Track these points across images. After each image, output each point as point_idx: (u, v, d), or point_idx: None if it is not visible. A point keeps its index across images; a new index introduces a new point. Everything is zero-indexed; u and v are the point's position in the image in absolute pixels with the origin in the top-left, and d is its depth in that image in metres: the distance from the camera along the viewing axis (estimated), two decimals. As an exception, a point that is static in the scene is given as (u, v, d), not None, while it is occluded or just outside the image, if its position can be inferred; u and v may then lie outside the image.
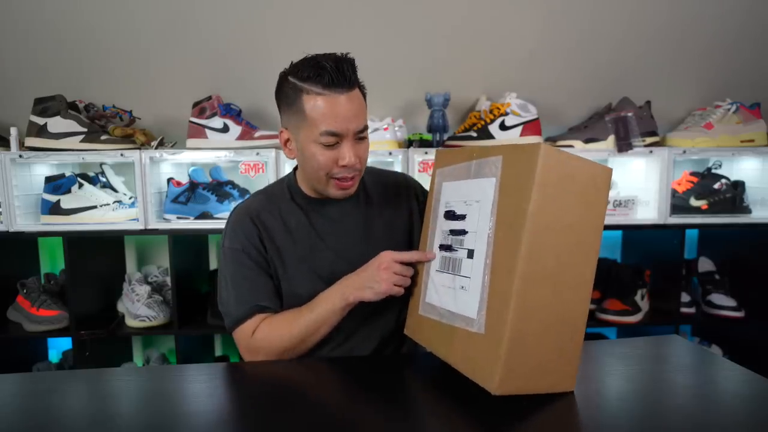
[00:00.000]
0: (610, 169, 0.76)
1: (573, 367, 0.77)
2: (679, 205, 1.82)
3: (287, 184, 1.12)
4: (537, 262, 0.71)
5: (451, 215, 0.88)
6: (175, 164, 1.89)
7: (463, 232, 0.83)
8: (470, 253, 0.81)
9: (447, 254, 0.87)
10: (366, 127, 0.99)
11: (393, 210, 1.13)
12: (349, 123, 0.95)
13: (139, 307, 1.76)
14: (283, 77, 0.99)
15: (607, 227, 1.81)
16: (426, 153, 1.74)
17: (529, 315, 0.71)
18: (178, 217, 1.75)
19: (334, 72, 0.92)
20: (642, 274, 1.89)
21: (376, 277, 0.93)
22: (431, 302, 0.90)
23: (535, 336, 0.72)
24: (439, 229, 0.91)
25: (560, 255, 0.72)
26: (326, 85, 0.93)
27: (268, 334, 0.99)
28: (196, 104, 1.76)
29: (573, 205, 0.73)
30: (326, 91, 0.93)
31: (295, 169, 1.13)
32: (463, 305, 0.80)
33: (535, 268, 0.71)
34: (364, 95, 0.99)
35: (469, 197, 0.84)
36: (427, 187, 1.22)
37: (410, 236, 1.12)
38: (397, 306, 1.07)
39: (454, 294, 0.83)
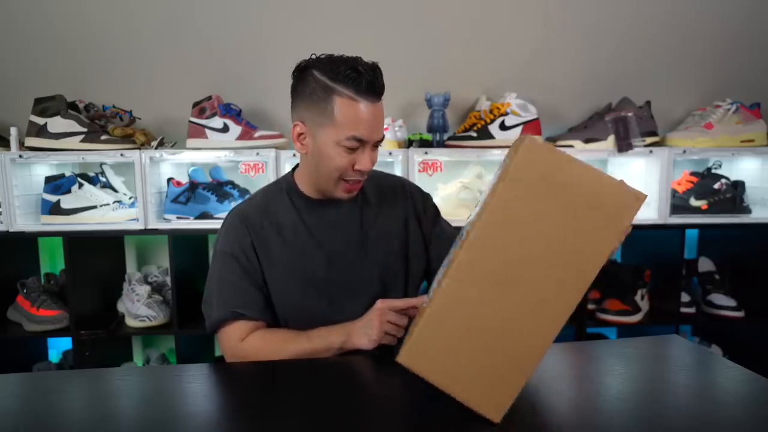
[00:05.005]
0: (643, 196, 0.63)
1: (503, 395, 0.68)
2: (679, 205, 1.82)
3: (285, 185, 1.10)
4: (481, 255, 0.65)
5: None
6: (175, 164, 1.89)
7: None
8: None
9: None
10: (384, 137, 1.01)
11: (389, 215, 1.12)
12: (374, 132, 0.96)
13: (139, 307, 1.76)
14: (304, 70, 0.97)
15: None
16: (426, 153, 1.74)
17: (455, 305, 0.67)
18: (178, 217, 1.75)
19: (372, 79, 0.93)
20: (642, 273, 1.89)
21: (371, 323, 0.95)
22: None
23: (457, 331, 0.67)
24: None
25: (513, 261, 0.65)
26: (361, 91, 0.93)
27: (260, 347, 1.00)
28: (196, 104, 1.76)
29: (553, 214, 0.64)
30: (359, 97, 0.93)
31: (294, 168, 1.12)
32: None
33: (476, 260, 0.66)
34: None
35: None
36: (425, 189, 1.22)
37: (405, 244, 1.11)
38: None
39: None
